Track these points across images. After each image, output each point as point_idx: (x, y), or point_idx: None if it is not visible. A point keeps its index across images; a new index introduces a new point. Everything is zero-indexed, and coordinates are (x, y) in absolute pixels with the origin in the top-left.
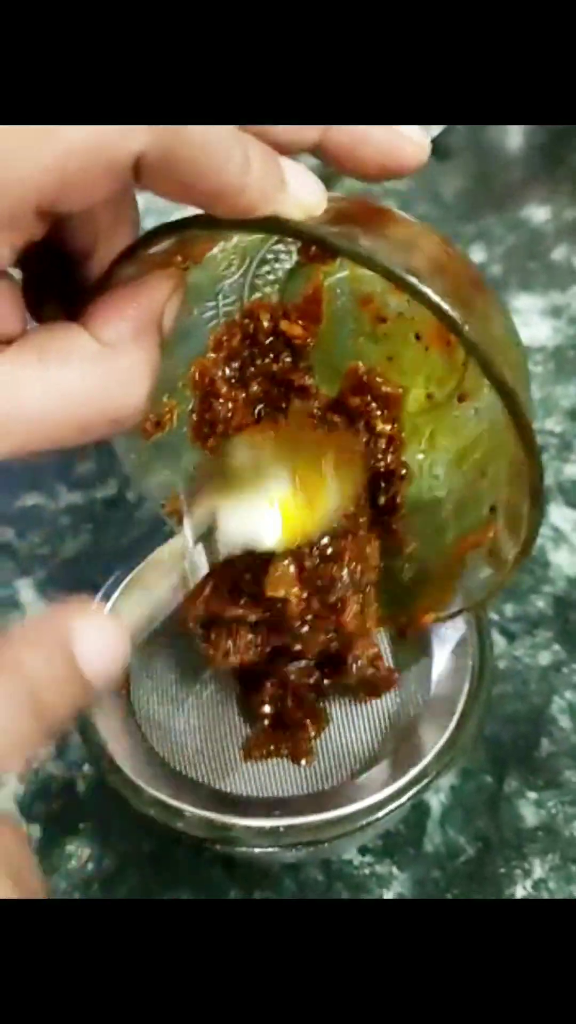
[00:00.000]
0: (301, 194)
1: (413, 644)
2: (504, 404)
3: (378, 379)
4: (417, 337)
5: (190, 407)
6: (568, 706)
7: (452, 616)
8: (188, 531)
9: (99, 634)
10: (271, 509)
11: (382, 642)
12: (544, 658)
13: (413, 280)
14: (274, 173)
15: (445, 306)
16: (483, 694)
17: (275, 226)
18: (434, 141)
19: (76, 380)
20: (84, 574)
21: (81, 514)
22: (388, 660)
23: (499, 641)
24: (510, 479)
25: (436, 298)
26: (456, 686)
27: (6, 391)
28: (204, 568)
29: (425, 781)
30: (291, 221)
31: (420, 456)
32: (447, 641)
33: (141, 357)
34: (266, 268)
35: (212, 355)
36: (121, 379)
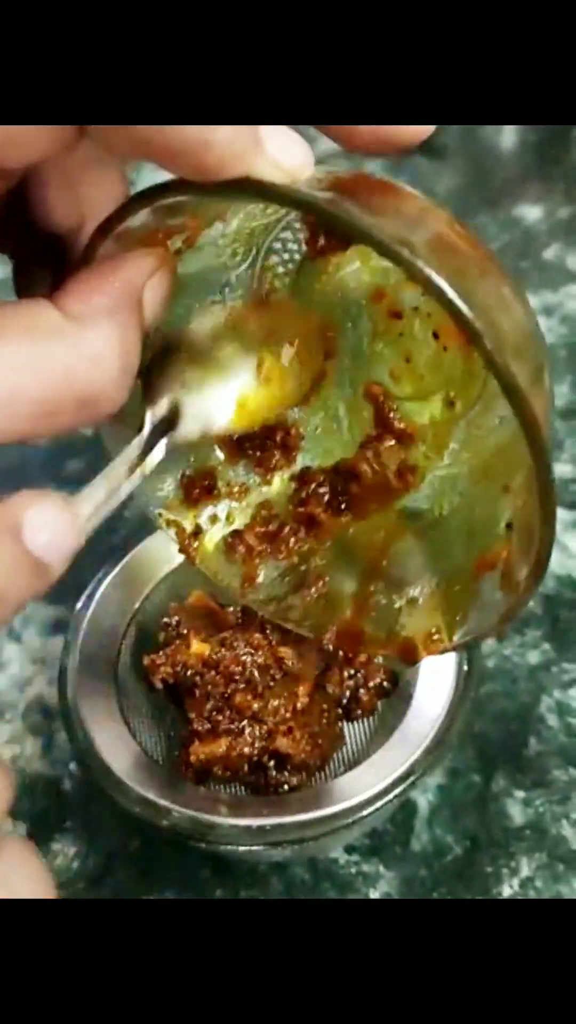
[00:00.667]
0: (280, 155)
1: None
2: (508, 399)
3: (392, 413)
4: (435, 336)
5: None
6: (557, 705)
7: (464, 646)
8: (148, 417)
9: (49, 521)
10: (232, 396)
11: None
12: (533, 657)
13: (404, 252)
14: (246, 129)
15: (441, 283)
16: (471, 692)
17: (249, 188)
18: (428, 140)
19: (39, 356)
20: (71, 572)
21: None
22: (378, 657)
23: (488, 640)
24: (526, 491)
25: (429, 272)
26: (444, 684)
27: None
28: (160, 455)
29: (411, 779)
30: (268, 183)
31: (442, 472)
32: None
33: (111, 334)
34: (275, 259)
35: None
36: (88, 356)
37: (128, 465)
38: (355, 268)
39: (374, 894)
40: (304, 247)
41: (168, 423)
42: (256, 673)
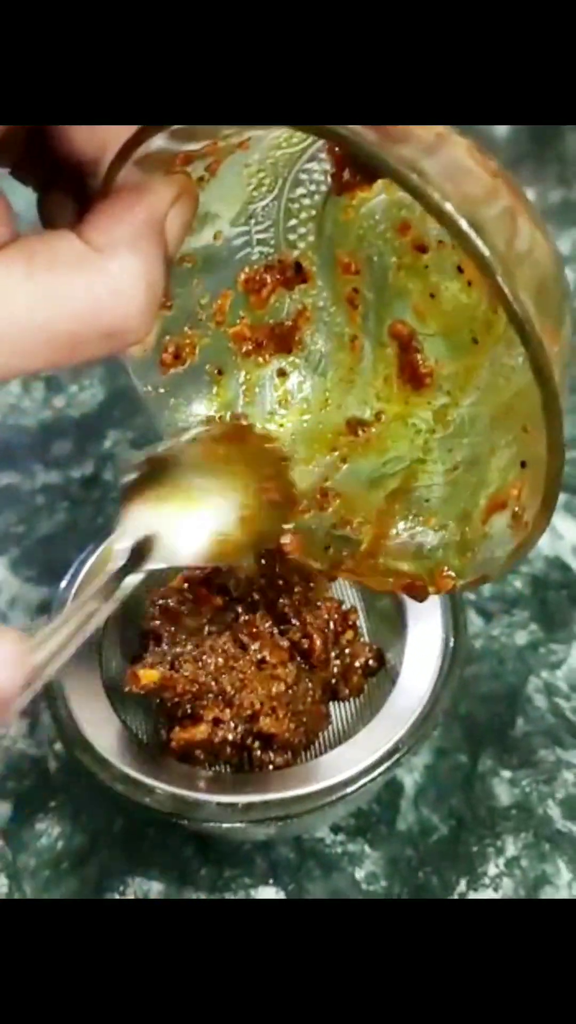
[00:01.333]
0: None
1: (388, 621)
2: (515, 329)
3: (418, 354)
4: (460, 270)
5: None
6: (544, 685)
7: (473, 584)
8: (122, 549)
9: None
10: (209, 534)
11: (359, 619)
12: (521, 638)
13: (414, 177)
14: None
15: (448, 208)
16: (456, 671)
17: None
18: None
19: (64, 287)
20: (58, 553)
21: (56, 493)
22: (364, 636)
23: (476, 621)
24: (540, 428)
25: (438, 197)
26: (429, 662)
27: None
28: (133, 585)
29: (396, 757)
30: None
31: (465, 410)
32: (421, 618)
33: (135, 263)
34: (301, 190)
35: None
36: (112, 286)
37: (96, 600)
38: (380, 200)
39: (359, 873)
40: (329, 179)
41: (138, 556)
42: (215, 683)
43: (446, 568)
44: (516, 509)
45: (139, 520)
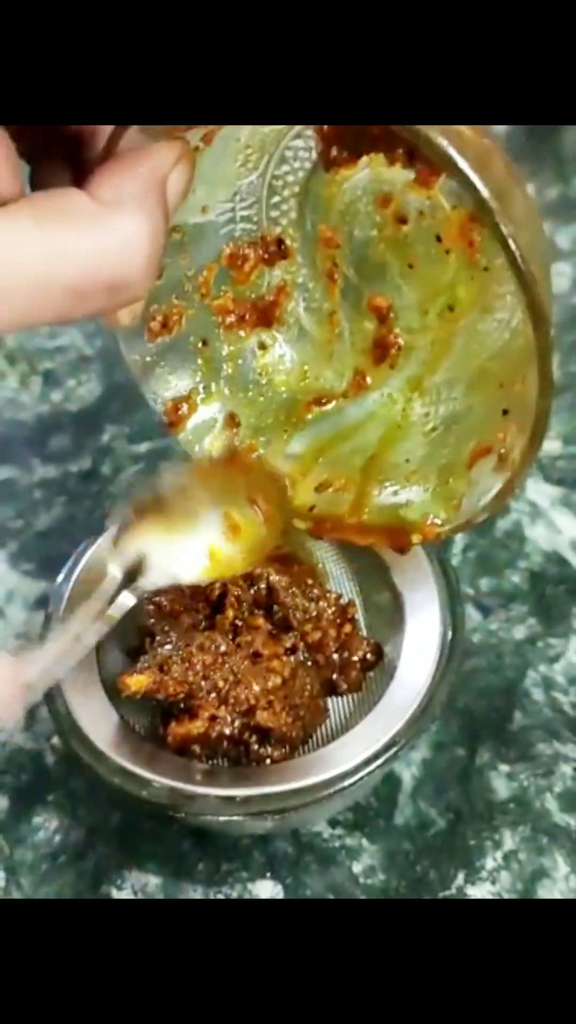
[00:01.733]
0: None
1: (386, 615)
2: (515, 276)
3: (395, 330)
4: (438, 239)
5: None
6: (542, 680)
7: (457, 530)
8: (115, 571)
9: None
10: (201, 549)
11: (357, 613)
12: (519, 632)
13: (421, 129)
14: None
15: (463, 164)
16: (454, 665)
17: None
18: None
19: (73, 239)
20: (55, 547)
21: (54, 487)
22: (362, 629)
23: (474, 615)
24: (525, 369)
25: (454, 154)
26: (427, 656)
27: (2, 250)
28: (128, 605)
29: (393, 750)
30: None
31: (440, 377)
32: (419, 612)
33: (141, 219)
34: (285, 168)
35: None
36: (119, 239)
37: (92, 615)
38: (363, 175)
39: (357, 867)
40: (314, 155)
41: (133, 574)
42: (204, 681)
43: (431, 517)
44: (502, 451)
45: (131, 542)
